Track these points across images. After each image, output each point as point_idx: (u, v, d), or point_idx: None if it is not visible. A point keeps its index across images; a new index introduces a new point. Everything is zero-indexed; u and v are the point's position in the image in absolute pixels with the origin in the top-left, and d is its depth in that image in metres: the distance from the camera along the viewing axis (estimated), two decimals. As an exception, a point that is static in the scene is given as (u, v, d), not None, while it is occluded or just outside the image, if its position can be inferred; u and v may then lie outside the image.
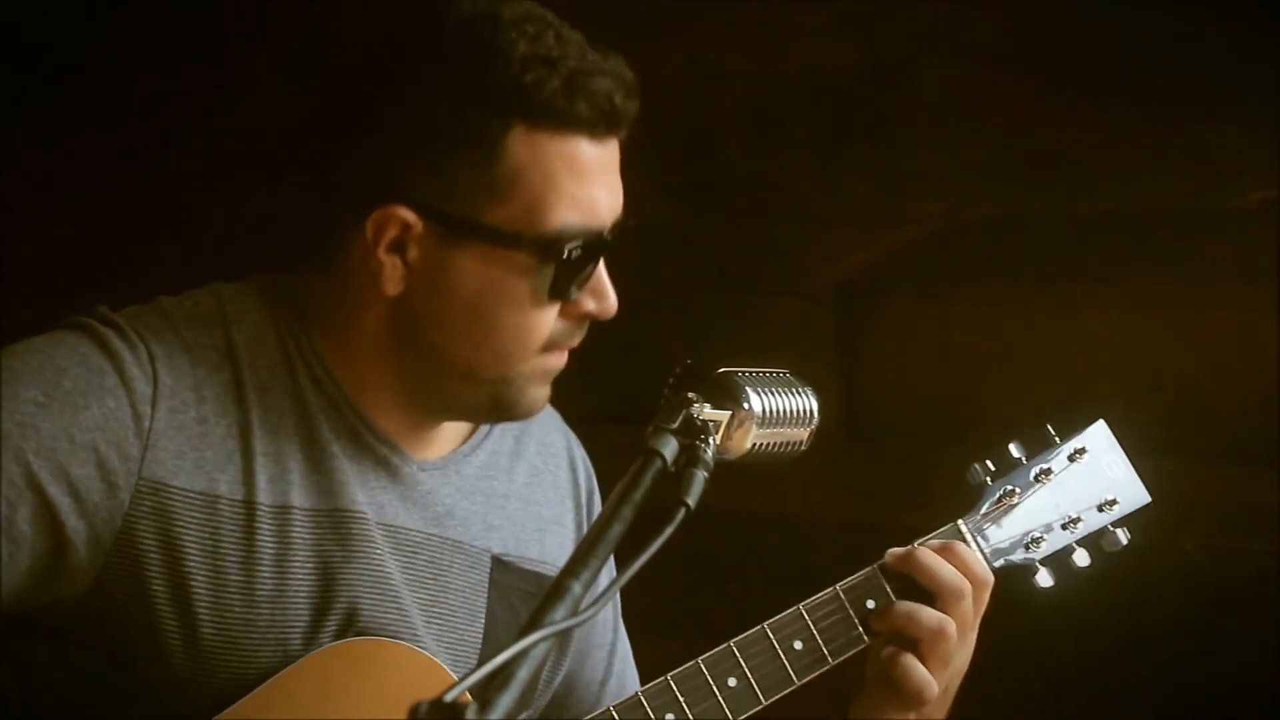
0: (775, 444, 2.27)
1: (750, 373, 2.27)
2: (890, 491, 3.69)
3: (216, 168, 4.17)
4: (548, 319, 2.33)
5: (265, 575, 2.30)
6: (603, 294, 2.35)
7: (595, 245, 2.31)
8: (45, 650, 2.30)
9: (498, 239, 2.27)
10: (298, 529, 2.33)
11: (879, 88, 3.64)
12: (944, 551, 2.51)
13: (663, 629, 2.80)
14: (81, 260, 4.13)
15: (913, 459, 3.67)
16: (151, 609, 2.26)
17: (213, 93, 4.16)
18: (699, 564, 3.52)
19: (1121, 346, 3.50)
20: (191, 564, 2.27)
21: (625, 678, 2.73)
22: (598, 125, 2.29)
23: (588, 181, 2.30)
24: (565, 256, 2.28)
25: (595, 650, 2.68)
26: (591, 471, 2.71)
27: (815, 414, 2.31)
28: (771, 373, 2.30)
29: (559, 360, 2.39)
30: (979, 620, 2.51)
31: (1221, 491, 3.29)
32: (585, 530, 2.65)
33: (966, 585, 2.47)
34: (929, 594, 2.50)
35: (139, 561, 2.25)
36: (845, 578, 2.57)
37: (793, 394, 2.29)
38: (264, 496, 2.32)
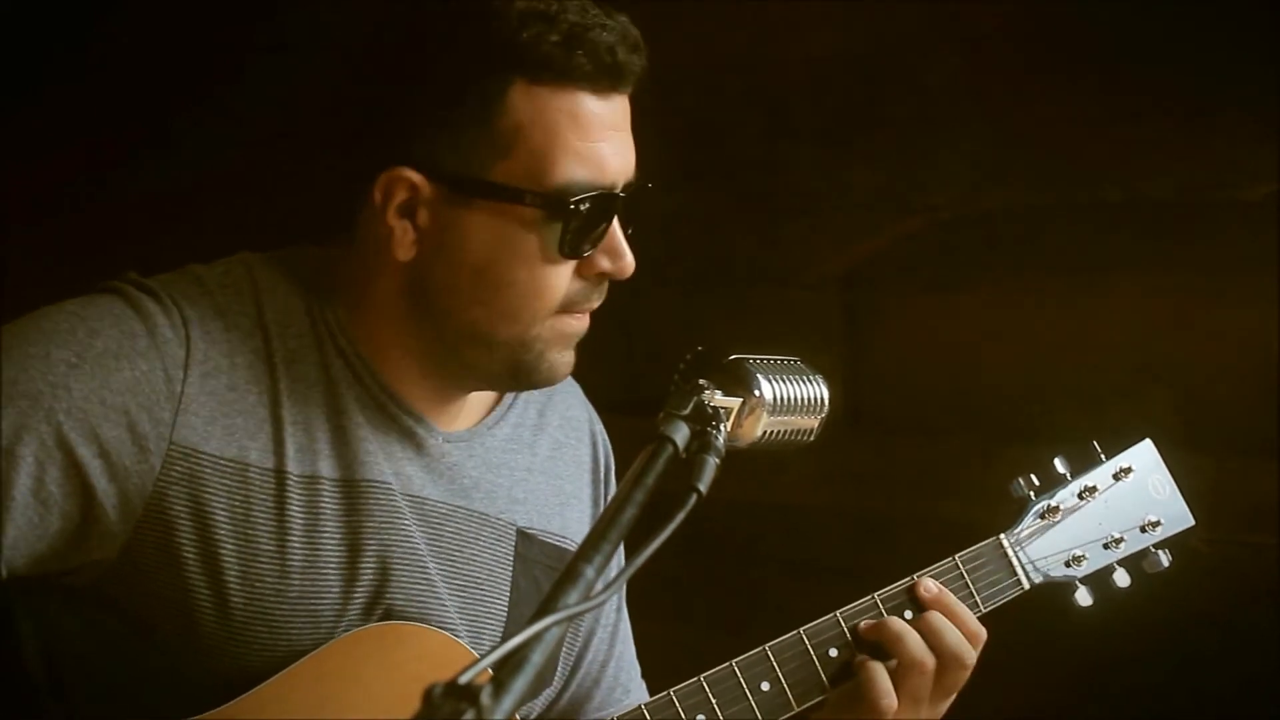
0: (785, 432, 2.27)
1: (761, 360, 2.27)
2: (895, 481, 3.70)
3: (227, 150, 4.17)
4: (560, 277, 2.31)
5: (296, 545, 2.30)
6: (618, 252, 2.33)
7: (605, 201, 2.30)
8: (71, 617, 2.29)
9: (504, 195, 2.27)
10: (326, 499, 2.33)
11: (885, 79, 3.64)
12: (918, 623, 2.48)
13: (668, 618, 2.80)
14: (92, 243, 4.12)
15: (918, 449, 3.68)
16: (182, 577, 2.26)
17: (220, 75, 4.16)
18: (704, 553, 3.52)
19: (1128, 338, 3.50)
20: (222, 532, 2.26)
21: (624, 659, 2.73)
22: (600, 79, 2.28)
23: (592, 136, 2.28)
24: (572, 209, 2.26)
25: (599, 630, 2.68)
26: (609, 447, 2.70)
27: (826, 402, 2.30)
28: (783, 360, 2.30)
29: (578, 323, 2.38)
30: (954, 687, 2.49)
31: (1230, 485, 3.28)
32: (601, 504, 2.65)
33: (929, 661, 2.45)
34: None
35: (169, 527, 2.25)
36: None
37: (804, 382, 2.28)
38: (293, 466, 2.31)
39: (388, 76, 2.31)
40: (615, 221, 2.32)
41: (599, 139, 2.29)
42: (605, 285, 2.37)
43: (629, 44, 2.29)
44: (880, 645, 2.47)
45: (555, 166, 2.26)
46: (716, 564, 3.74)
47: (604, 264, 2.33)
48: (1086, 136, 3.46)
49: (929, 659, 2.44)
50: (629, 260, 2.34)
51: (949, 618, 2.49)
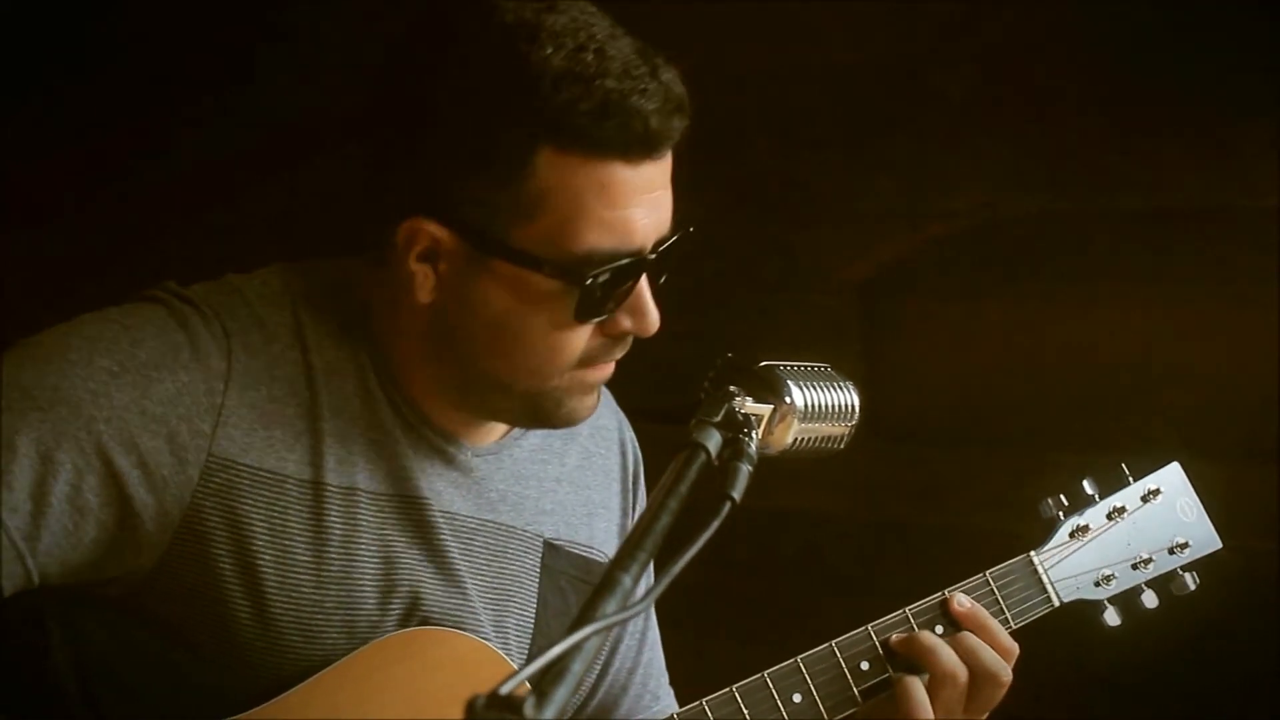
0: (816, 439, 2.25)
1: (792, 367, 2.25)
2: (913, 490, 3.70)
3: (230, 151, 4.17)
4: (578, 338, 2.26)
5: (333, 556, 2.29)
6: (642, 312, 2.27)
7: (630, 267, 2.23)
8: (102, 628, 2.28)
9: (522, 261, 2.21)
10: (364, 511, 2.32)
11: (904, 87, 3.64)
12: (953, 641, 2.48)
13: (683, 627, 2.78)
14: (92, 244, 4.13)
15: (935, 458, 3.68)
16: (219, 588, 2.24)
17: (224, 75, 4.16)
18: (719, 562, 3.52)
19: (1144, 346, 3.51)
20: (260, 543, 2.25)
21: (653, 666, 2.73)
22: (632, 149, 2.19)
23: (620, 205, 2.21)
24: (589, 283, 2.20)
25: (627, 637, 2.67)
26: (639, 454, 2.68)
27: (857, 410, 2.28)
28: (813, 367, 2.28)
29: (600, 373, 2.33)
30: (989, 703, 2.49)
31: (1245, 491, 3.27)
32: (631, 513, 2.64)
33: (962, 674, 2.45)
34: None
35: (207, 539, 2.23)
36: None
37: (834, 389, 2.26)
38: (331, 478, 2.30)
39: (416, 125, 2.24)
40: (643, 280, 2.26)
41: (628, 206, 2.21)
42: (629, 340, 2.32)
43: (669, 108, 2.20)
44: (912, 659, 2.47)
45: (579, 235, 2.19)
46: (728, 572, 3.73)
47: (626, 324, 2.28)
48: (1105, 144, 3.48)
49: (962, 671, 2.44)
50: (652, 320, 2.28)
51: (982, 634, 2.48)
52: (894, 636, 2.48)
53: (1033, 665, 2.55)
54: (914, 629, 2.49)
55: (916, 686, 2.44)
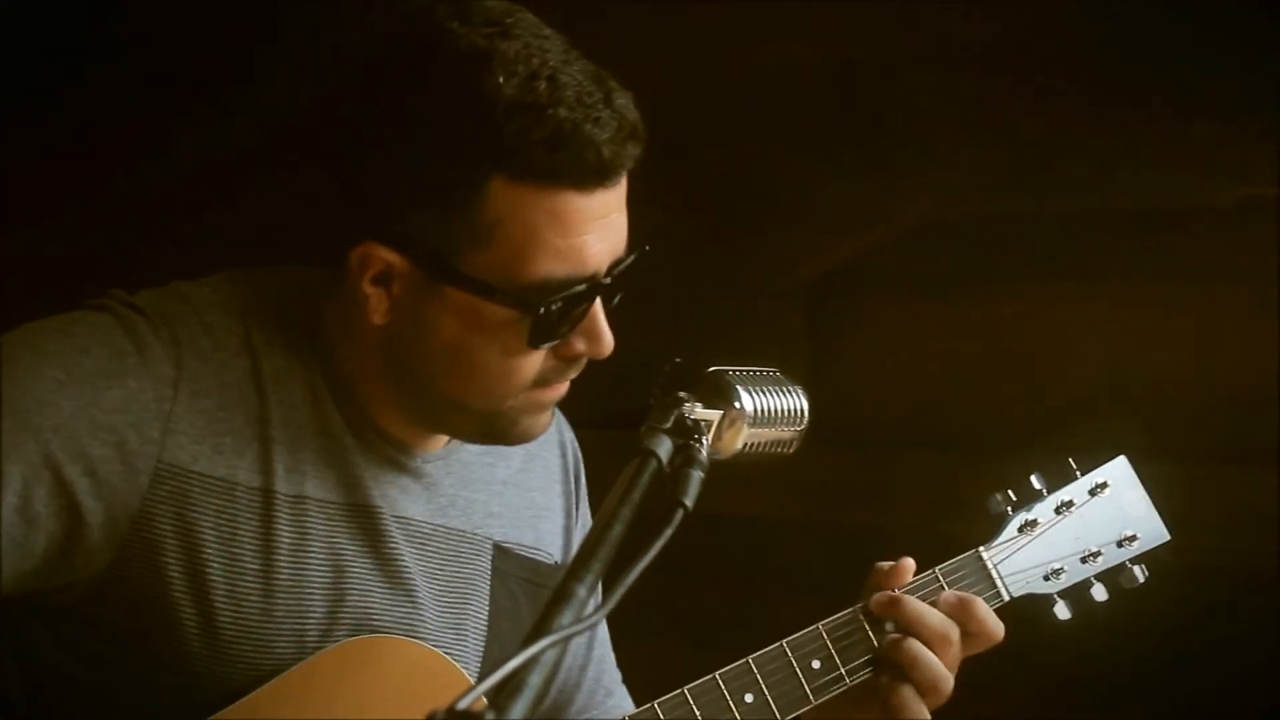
0: (766, 444, 2.27)
1: (741, 372, 2.27)
2: (864, 494, 3.71)
3: (228, 153, 4.18)
4: (532, 362, 2.28)
5: (282, 564, 2.30)
6: (596, 336, 2.29)
7: (584, 293, 2.25)
8: (52, 637, 2.29)
9: (475, 288, 2.23)
10: (313, 519, 2.33)
11: (859, 88, 3.61)
12: (961, 609, 2.52)
13: (637, 634, 2.75)
14: (91, 245, 4.15)
15: (883, 461, 3.69)
16: (167, 595, 2.25)
17: (224, 76, 4.17)
18: (672, 568, 3.56)
19: (1101, 347, 3.50)
20: (209, 550, 2.26)
21: (604, 662, 2.76)
22: (585, 179, 2.20)
23: (574, 233, 2.22)
24: (543, 310, 2.23)
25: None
26: (579, 454, 2.70)
27: (806, 414, 2.30)
28: (762, 372, 2.30)
29: (554, 392, 2.35)
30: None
31: (1202, 493, 3.28)
32: (574, 513, 2.67)
33: (945, 685, 2.49)
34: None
35: (155, 546, 2.24)
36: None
37: (783, 394, 2.28)
38: (281, 485, 2.31)
39: (371, 151, 2.26)
40: (597, 303, 2.28)
41: (582, 234, 2.22)
42: (584, 360, 2.33)
43: (622, 135, 2.21)
44: (896, 663, 2.51)
45: (531, 264, 2.21)
46: (675, 577, 3.74)
47: (580, 347, 2.30)
48: (1061, 144, 3.46)
49: (945, 683, 2.48)
50: (607, 344, 2.30)
51: (971, 623, 2.52)
52: (889, 639, 2.51)
53: (1034, 667, 2.60)
54: (865, 627, 2.52)
55: (913, 697, 2.48)
